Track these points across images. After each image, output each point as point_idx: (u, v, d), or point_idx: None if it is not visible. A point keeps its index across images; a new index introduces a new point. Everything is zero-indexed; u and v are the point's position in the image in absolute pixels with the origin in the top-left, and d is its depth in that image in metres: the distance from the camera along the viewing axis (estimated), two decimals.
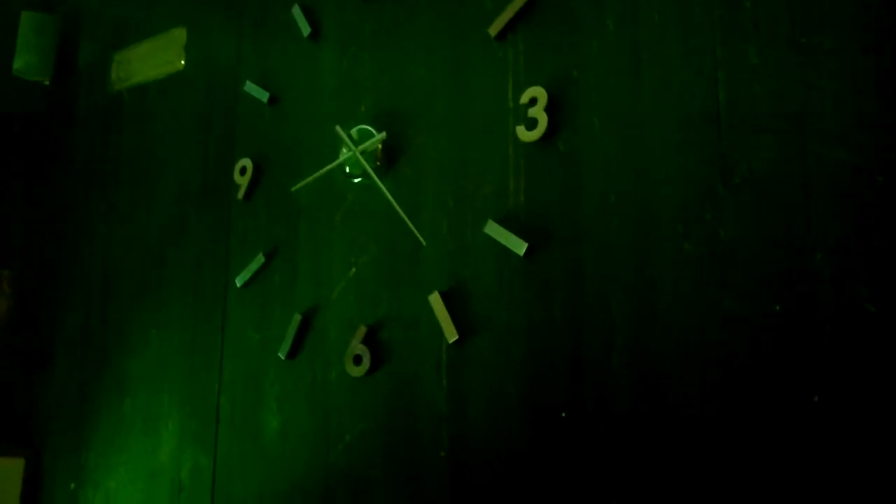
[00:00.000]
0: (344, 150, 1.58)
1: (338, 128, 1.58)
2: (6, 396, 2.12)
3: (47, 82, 2.20)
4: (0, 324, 2.05)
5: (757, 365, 1.14)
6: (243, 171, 1.77)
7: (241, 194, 1.76)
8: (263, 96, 1.77)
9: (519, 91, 1.42)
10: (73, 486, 1.96)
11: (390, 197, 1.52)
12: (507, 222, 1.40)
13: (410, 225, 1.50)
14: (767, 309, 1.15)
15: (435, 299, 1.44)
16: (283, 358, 1.62)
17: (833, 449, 1.06)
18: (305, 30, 1.73)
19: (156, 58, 2.01)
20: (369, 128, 1.59)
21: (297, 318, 1.62)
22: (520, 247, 1.37)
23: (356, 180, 1.60)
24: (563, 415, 1.29)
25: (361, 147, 1.56)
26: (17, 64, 2.13)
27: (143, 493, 1.80)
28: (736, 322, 1.16)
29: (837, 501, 1.05)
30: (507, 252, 1.38)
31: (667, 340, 1.22)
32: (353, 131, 1.59)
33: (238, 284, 1.73)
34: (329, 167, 1.59)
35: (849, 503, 1.04)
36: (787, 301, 1.13)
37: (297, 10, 1.75)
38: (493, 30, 1.46)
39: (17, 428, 2.10)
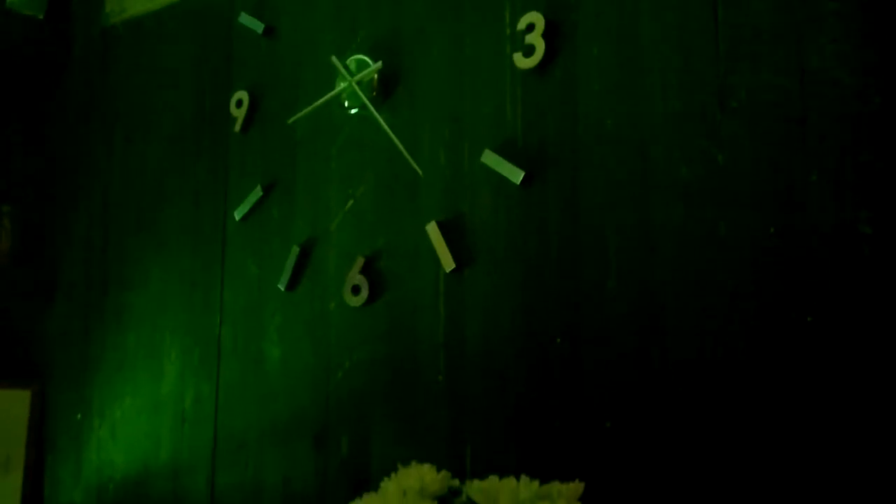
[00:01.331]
0: (340, 81, 1.57)
1: (333, 58, 1.56)
2: (11, 330, 2.15)
3: (41, 16, 2.17)
4: (1, 259, 2.07)
5: (752, 288, 1.14)
6: (239, 103, 1.76)
7: (237, 127, 1.76)
8: (258, 27, 1.75)
9: (516, 17, 1.40)
10: (78, 416, 2.00)
11: (387, 128, 1.51)
12: (504, 151, 1.39)
13: (407, 155, 1.49)
14: (763, 232, 1.15)
15: (432, 229, 1.45)
16: (282, 289, 1.64)
17: (825, 368, 1.08)
18: None
19: None
20: (366, 58, 1.57)
21: (296, 250, 1.63)
22: (517, 175, 1.37)
23: (352, 111, 1.59)
24: (558, 340, 1.30)
25: (357, 77, 1.55)
26: None
27: (148, 424, 1.83)
28: (731, 246, 1.17)
29: (830, 419, 1.06)
30: (504, 181, 1.38)
31: (662, 265, 1.22)
32: (350, 62, 1.57)
33: (237, 218, 1.73)
34: (325, 98, 1.58)
35: (841, 421, 1.05)
36: (782, 224, 1.14)
37: None
38: None
39: (23, 361, 2.14)
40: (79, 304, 2.08)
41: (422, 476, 0.84)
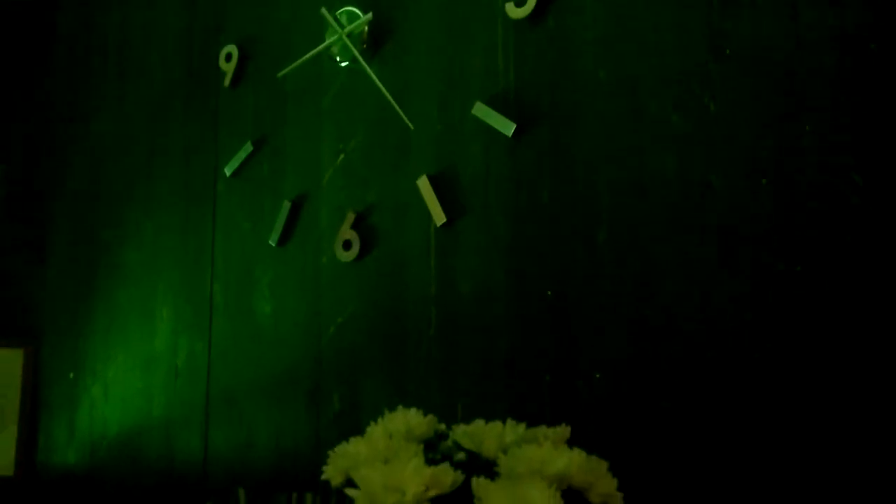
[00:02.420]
0: (330, 34, 1.55)
1: (323, 10, 1.54)
2: (3, 290, 2.15)
3: None
4: None
5: (742, 236, 1.14)
6: (228, 57, 1.74)
7: (227, 81, 1.74)
8: None
9: None
10: (71, 375, 2.01)
11: (377, 81, 1.49)
12: (495, 103, 1.38)
13: (398, 109, 1.48)
14: (754, 182, 1.14)
15: (423, 183, 1.44)
16: (273, 245, 1.63)
17: (814, 316, 1.07)
18: None
19: None
20: (356, 10, 1.55)
21: (287, 205, 1.62)
22: (508, 127, 1.35)
23: (343, 64, 1.57)
24: (549, 293, 1.30)
25: (348, 29, 1.52)
26: None
27: (141, 380, 1.84)
28: (723, 196, 1.16)
29: (819, 367, 1.06)
30: (495, 133, 1.37)
31: (652, 215, 1.21)
32: (340, 14, 1.55)
33: (227, 173, 1.72)
34: (315, 51, 1.56)
35: (829, 369, 1.05)
36: (774, 174, 1.13)
37: None
38: None
39: (16, 320, 2.14)
40: (70, 262, 2.07)
41: (408, 420, 0.85)
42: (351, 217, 1.53)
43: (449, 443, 0.86)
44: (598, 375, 1.24)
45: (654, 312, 1.19)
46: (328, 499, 1.02)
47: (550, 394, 1.28)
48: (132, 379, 1.87)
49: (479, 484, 0.73)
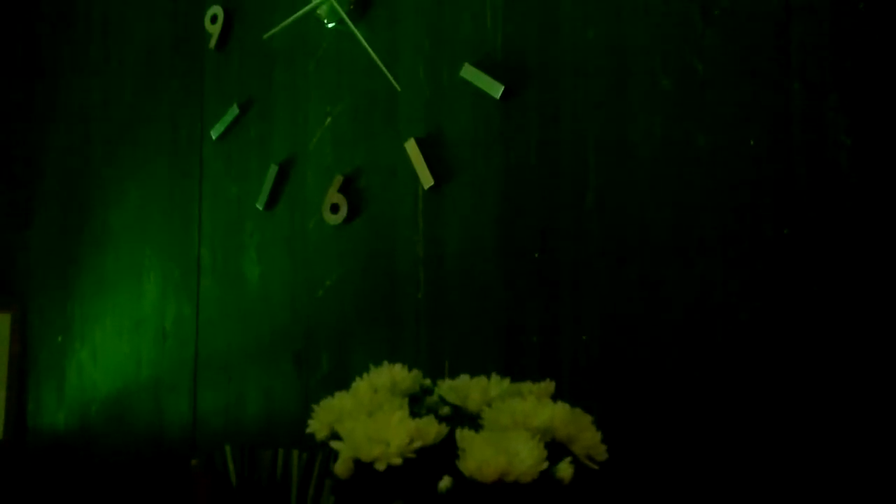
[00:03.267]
0: None
1: None
2: None
3: None
4: None
5: (728, 198, 1.14)
6: (214, 18, 1.72)
7: (212, 44, 1.72)
8: None
9: None
10: (60, 339, 2.01)
11: (364, 42, 1.48)
12: (483, 65, 1.37)
13: (385, 71, 1.47)
14: (742, 144, 1.14)
15: (411, 146, 1.43)
16: (261, 209, 1.63)
17: (801, 279, 1.08)
18: None
19: None
20: None
21: (274, 168, 1.61)
22: (496, 89, 1.35)
23: (330, 26, 1.56)
24: (537, 255, 1.30)
25: None
26: None
27: (129, 343, 1.84)
28: (710, 158, 1.16)
29: (806, 328, 1.07)
30: (483, 95, 1.36)
31: (641, 178, 1.21)
32: None
33: (213, 137, 1.71)
34: (301, 12, 1.54)
35: (817, 330, 1.06)
36: (762, 135, 1.12)
37: None
38: None
39: (3, 284, 2.13)
40: (57, 226, 2.06)
41: (393, 374, 0.85)
42: (338, 180, 1.53)
43: (434, 398, 0.86)
44: (584, 337, 1.25)
45: (642, 274, 1.20)
46: (315, 455, 1.03)
47: (537, 354, 1.29)
48: (120, 342, 1.87)
49: (464, 435, 0.74)
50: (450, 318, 1.39)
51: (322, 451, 1.01)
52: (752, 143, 1.13)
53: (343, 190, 1.52)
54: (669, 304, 1.17)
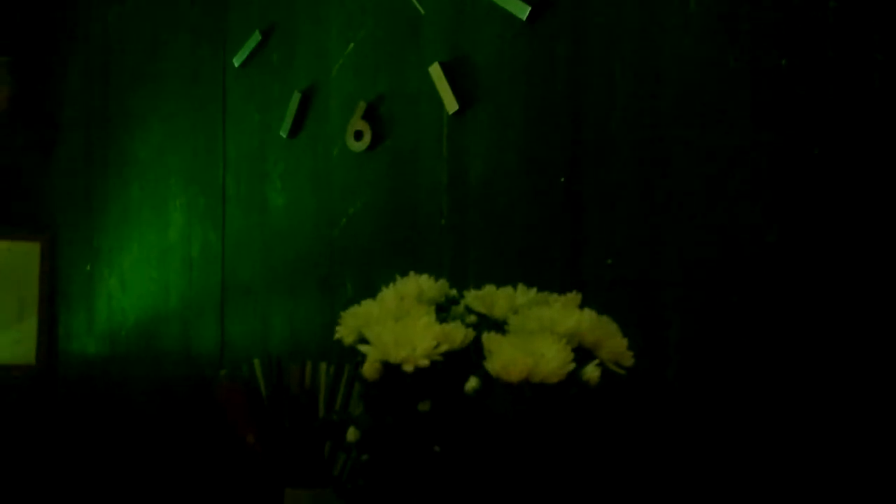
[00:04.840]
0: None
1: None
2: (17, 183, 2.16)
3: None
4: (2, 112, 2.05)
5: (759, 120, 1.12)
6: None
7: None
8: None
9: None
10: (88, 267, 2.04)
11: None
12: None
13: None
14: (773, 64, 1.11)
15: (435, 71, 1.42)
16: (284, 137, 1.63)
17: (831, 200, 1.06)
18: None
19: None
20: None
21: (297, 96, 1.60)
22: (522, 10, 1.32)
23: None
24: (562, 179, 1.29)
25: None
26: None
27: (156, 271, 1.87)
28: (741, 79, 1.14)
29: (832, 257, 1.06)
30: (509, 17, 1.34)
31: (669, 100, 1.19)
32: None
33: (236, 64, 1.70)
34: None
35: (845, 259, 1.05)
36: (793, 55, 1.10)
37: None
38: None
39: (31, 214, 2.16)
40: (82, 157, 2.08)
41: (419, 283, 0.86)
42: (362, 107, 1.52)
43: (460, 308, 0.87)
44: (609, 261, 1.24)
45: (668, 196, 1.19)
46: (341, 368, 1.05)
47: (561, 279, 1.29)
48: (148, 270, 1.89)
49: (490, 338, 0.74)
50: (473, 243, 1.39)
51: (349, 364, 1.03)
52: (783, 63, 1.10)
53: (366, 117, 1.51)
54: (694, 227, 1.16)
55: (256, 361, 1.06)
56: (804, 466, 1.02)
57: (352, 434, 0.77)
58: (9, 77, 2.03)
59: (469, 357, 0.77)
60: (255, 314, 1.68)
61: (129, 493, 1.93)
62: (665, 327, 1.18)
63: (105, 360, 2.02)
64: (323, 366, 1.06)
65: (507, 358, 0.70)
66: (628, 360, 0.79)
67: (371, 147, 1.51)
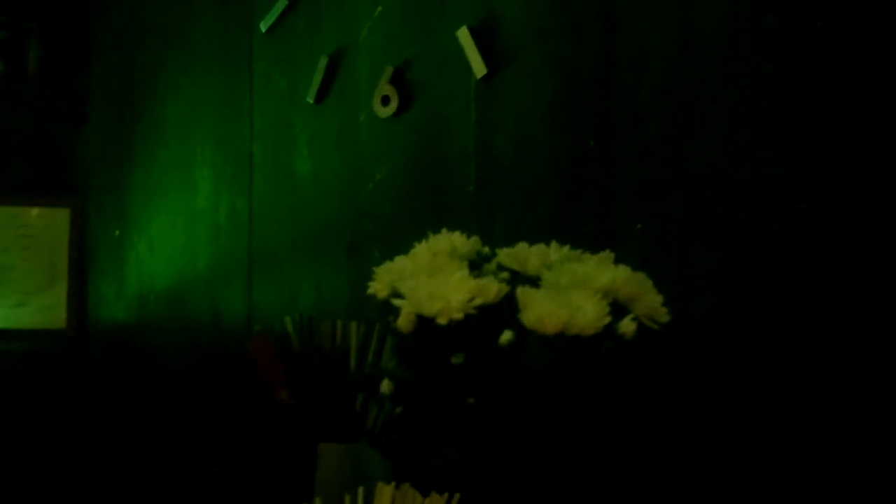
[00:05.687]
0: None
1: None
2: (47, 149, 2.18)
3: None
4: (31, 78, 2.06)
5: (790, 81, 1.10)
6: None
7: None
8: None
9: None
10: (117, 233, 2.06)
11: None
12: None
13: None
14: (809, 25, 1.09)
15: (463, 34, 1.40)
16: (311, 102, 1.63)
17: (867, 166, 1.05)
18: None
19: None
20: None
21: (324, 61, 1.60)
22: None
23: None
24: (592, 143, 1.28)
25: None
26: None
27: (184, 237, 1.88)
28: (775, 40, 1.12)
29: (874, 215, 1.05)
30: None
31: (702, 60, 1.18)
32: None
33: (262, 30, 1.70)
34: None
35: (876, 220, 1.04)
36: (830, 17, 1.08)
37: None
38: None
39: (61, 179, 2.18)
40: (111, 123, 2.09)
41: (452, 240, 0.86)
42: (389, 72, 1.51)
43: (491, 265, 0.87)
44: (639, 226, 1.23)
45: (701, 161, 1.18)
46: (372, 327, 1.05)
47: (591, 245, 1.28)
48: (176, 236, 1.91)
49: (525, 291, 0.74)
50: (501, 209, 1.38)
51: (379, 323, 1.03)
52: (819, 24, 1.08)
53: (394, 82, 1.51)
54: (726, 193, 1.15)
55: (287, 319, 1.07)
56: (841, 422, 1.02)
57: (386, 386, 0.77)
58: (37, 43, 2.04)
59: (501, 312, 0.77)
60: (282, 280, 1.69)
61: (160, 455, 1.97)
62: (696, 294, 1.17)
63: (134, 324, 2.04)
64: (353, 325, 1.07)
65: (543, 310, 0.70)
66: (663, 316, 0.79)
67: (398, 112, 1.50)
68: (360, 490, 0.73)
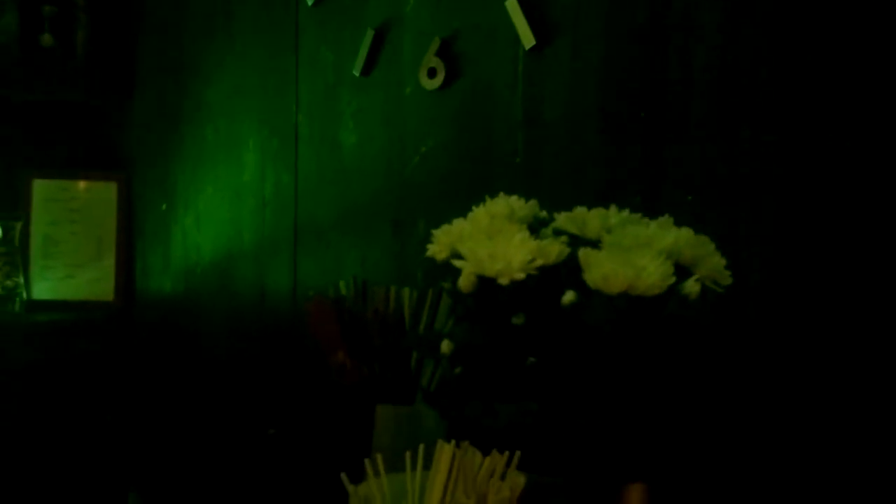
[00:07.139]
0: None
1: None
2: (94, 124, 2.22)
3: None
4: (80, 54, 2.09)
5: (850, 57, 1.08)
6: None
7: None
8: None
9: None
10: (164, 207, 2.08)
11: None
12: None
13: None
14: None
15: (512, 5, 1.39)
16: (357, 75, 1.63)
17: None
18: None
19: None
20: None
21: (370, 33, 1.60)
22: None
23: None
24: (642, 114, 1.27)
25: None
26: None
27: (230, 211, 1.90)
28: (835, 14, 1.09)
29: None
30: None
31: (757, 32, 1.16)
32: None
33: (309, 3, 1.70)
34: None
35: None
36: None
37: None
38: None
39: (108, 153, 2.21)
40: (157, 97, 2.11)
41: (510, 203, 0.85)
42: (436, 43, 1.50)
43: (548, 231, 0.86)
44: (689, 198, 1.22)
45: (751, 131, 1.16)
46: (425, 293, 1.06)
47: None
48: (222, 209, 1.93)
49: (588, 252, 0.74)
50: (549, 182, 1.37)
51: (432, 288, 1.03)
52: None
53: (440, 54, 1.50)
54: (780, 167, 1.13)
55: (342, 283, 1.07)
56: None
57: (446, 346, 0.77)
58: (86, 18, 2.06)
59: (559, 274, 0.77)
60: (328, 254, 1.70)
61: (208, 427, 2.00)
62: (747, 268, 1.15)
63: (181, 296, 2.07)
64: (406, 290, 1.07)
65: (607, 270, 0.70)
66: (726, 278, 0.78)
67: (445, 84, 1.50)
68: (421, 447, 0.73)
